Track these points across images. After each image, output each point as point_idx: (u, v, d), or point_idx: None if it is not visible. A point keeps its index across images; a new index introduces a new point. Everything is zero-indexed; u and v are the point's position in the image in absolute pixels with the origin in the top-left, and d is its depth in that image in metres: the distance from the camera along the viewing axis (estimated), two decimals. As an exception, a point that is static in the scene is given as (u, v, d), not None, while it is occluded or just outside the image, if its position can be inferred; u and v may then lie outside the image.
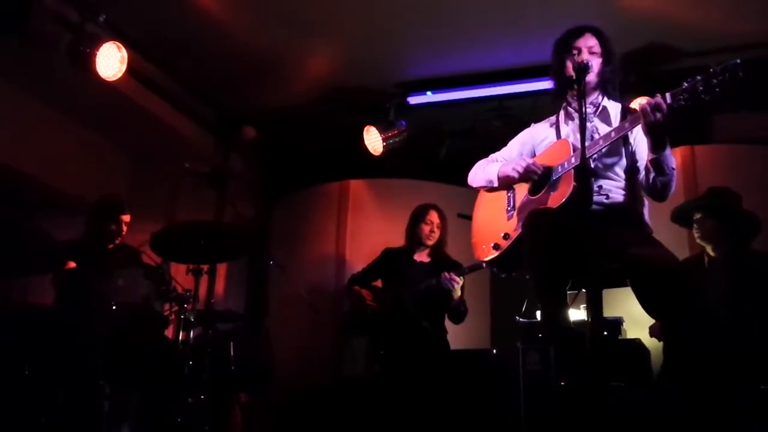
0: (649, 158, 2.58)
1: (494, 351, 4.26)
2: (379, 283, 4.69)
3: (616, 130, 2.62)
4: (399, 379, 4.15)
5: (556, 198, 2.64)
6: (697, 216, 3.84)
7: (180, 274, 4.16)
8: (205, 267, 3.95)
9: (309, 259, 5.68)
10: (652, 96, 2.42)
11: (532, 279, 2.52)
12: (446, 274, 4.23)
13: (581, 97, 2.58)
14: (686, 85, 2.35)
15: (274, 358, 4.42)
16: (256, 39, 4.82)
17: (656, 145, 2.52)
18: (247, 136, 5.68)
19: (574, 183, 2.57)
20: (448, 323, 4.49)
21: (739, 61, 2.25)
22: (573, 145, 2.72)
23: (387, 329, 4.37)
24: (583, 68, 2.64)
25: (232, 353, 4.01)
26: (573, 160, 2.64)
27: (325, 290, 5.45)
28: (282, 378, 4.54)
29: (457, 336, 4.56)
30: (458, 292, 4.29)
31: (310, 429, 4.18)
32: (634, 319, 3.92)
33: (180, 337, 3.84)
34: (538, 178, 2.80)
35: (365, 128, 5.40)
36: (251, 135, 5.69)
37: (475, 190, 3.20)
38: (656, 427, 3.25)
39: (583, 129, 2.48)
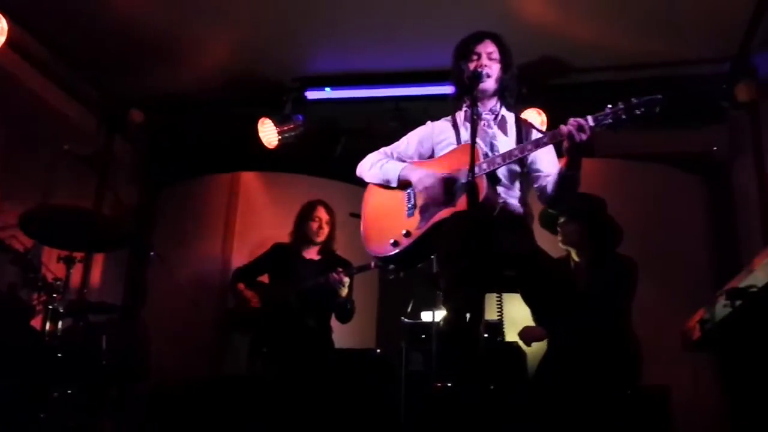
0: (563, 174, 2.67)
1: (378, 351, 4.28)
2: (265, 278, 4.60)
3: (533, 143, 2.68)
4: (281, 376, 4.08)
5: (463, 203, 2.58)
6: (561, 220, 3.92)
7: (52, 262, 3.93)
8: (79, 255, 3.75)
9: (194, 251, 5.50)
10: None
11: (445, 283, 2.54)
12: (335, 274, 4.20)
13: (474, 104, 2.63)
14: (609, 110, 2.51)
15: (151, 352, 4.24)
16: (148, 18, 4.61)
17: (574, 164, 2.62)
18: (133, 120, 5.42)
19: (486, 189, 2.62)
20: (334, 322, 4.47)
21: (660, 96, 2.43)
22: (482, 152, 2.76)
23: (271, 326, 4.29)
24: (477, 75, 2.72)
25: (103, 346, 3.82)
26: (484, 166, 2.68)
27: (210, 284, 5.29)
28: (160, 373, 4.36)
29: (343, 335, 4.55)
30: (345, 291, 4.27)
31: (184, 426, 4.04)
32: (513, 322, 4.03)
33: (47, 329, 3.63)
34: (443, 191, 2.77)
35: (260, 120, 5.30)
36: (138, 119, 5.43)
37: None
38: (532, 427, 3.37)
39: (474, 133, 2.51)
